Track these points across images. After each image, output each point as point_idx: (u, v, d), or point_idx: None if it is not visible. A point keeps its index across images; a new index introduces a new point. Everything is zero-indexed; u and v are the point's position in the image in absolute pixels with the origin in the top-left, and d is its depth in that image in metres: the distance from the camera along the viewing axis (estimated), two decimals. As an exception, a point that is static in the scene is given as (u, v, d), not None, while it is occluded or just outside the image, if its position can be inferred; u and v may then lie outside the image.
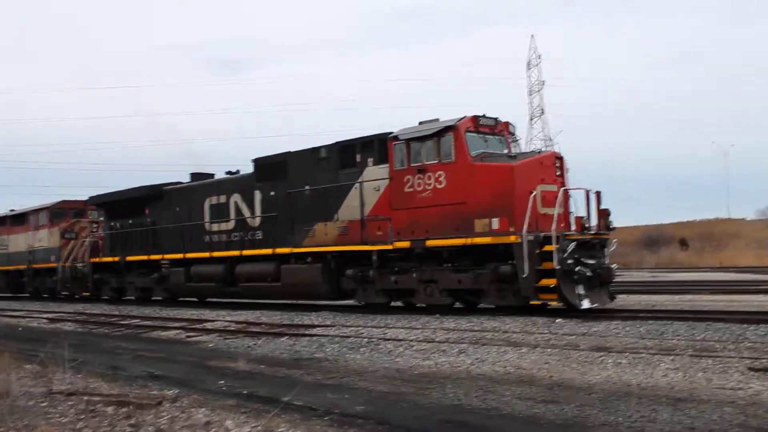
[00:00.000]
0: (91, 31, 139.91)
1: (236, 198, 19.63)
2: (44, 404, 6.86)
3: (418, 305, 15.80)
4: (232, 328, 14.78)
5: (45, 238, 29.15)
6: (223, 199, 20.09)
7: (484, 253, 14.08)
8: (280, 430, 5.76)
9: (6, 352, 9.61)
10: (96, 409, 6.69)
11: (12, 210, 33.50)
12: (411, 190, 15.11)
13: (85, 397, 7.16)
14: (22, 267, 30.66)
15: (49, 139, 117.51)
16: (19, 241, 31.14)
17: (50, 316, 20.94)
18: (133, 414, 6.45)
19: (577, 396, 6.79)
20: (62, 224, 28.42)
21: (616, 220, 14.82)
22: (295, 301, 19.31)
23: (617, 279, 15.21)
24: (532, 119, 68.88)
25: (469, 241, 14.13)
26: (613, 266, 14.16)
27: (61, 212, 29.30)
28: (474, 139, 14.70)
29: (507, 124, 15.60)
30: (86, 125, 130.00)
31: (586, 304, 13.38)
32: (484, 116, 15.09)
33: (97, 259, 25.34)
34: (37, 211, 30.33)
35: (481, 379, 8.01)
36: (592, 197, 14.54)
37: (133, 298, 24.49)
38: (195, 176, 22.56)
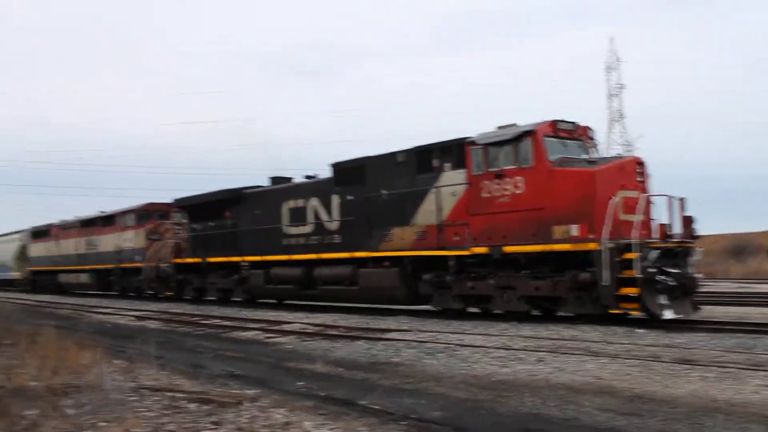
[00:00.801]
0: (170, 35, 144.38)
1: (314, 202, 19.86)
2: (132, 398, 7.09)
3: (494, 312, 15.64)
4: (310, 331, 14.94)
5: (131, 238, 30.28)
6: (301, 202, 20.36)
7: (563, 259, 13.83)
8: (357, 433, 5.79)
9: (98, 347, 10.00)
10: (179, 406, 6.87)
11: (101, 212, 34.97)
12: (488, 195, 14.98)
13: (170, 393, 7.37)
14: (110, 266, 31.94)
15: (135, 143, 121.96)
16: (107, 242, 32.44)
17: (136, 314, 21.68)
18: (215, 411, 6.60)
19: (660, 409, 6.57)
20: (147, 226, 29.45)
21: (701, 228, 14.32)
22: (371, 305, 19.39)
23: (702, 289, 14.66)
24: (611, 123, 67.35)
25: (547, 247, 13.90)
26: (697, 276, 13.68)
27: (147, 214, 30.42)
28: (553, 144, 14.47)
29: (586, 128, 15.29)
30: (171, 130, 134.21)
31: (668, 314, 12.96)
32: (562, 120, 14.83)
33: (179, 260, 26.07)
34: (124, 213, 31.59)
35: (560, 388, 7.85)
36: (675, 204, 14.10)
37: (213, 298, 25.08)
38: (274, 180, 22.96)
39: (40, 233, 41.32)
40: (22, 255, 43.35)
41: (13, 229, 46.63)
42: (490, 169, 14.94)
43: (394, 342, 12.26)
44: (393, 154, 17.45)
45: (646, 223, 13.86)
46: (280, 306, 22.64)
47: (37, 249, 41.09)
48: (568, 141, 14.84)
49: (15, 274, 43.94)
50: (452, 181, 15.78)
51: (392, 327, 14.61)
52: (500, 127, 15.25)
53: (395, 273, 17.06)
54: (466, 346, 11.25)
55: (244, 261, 22.45)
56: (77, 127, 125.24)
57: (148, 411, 6.63)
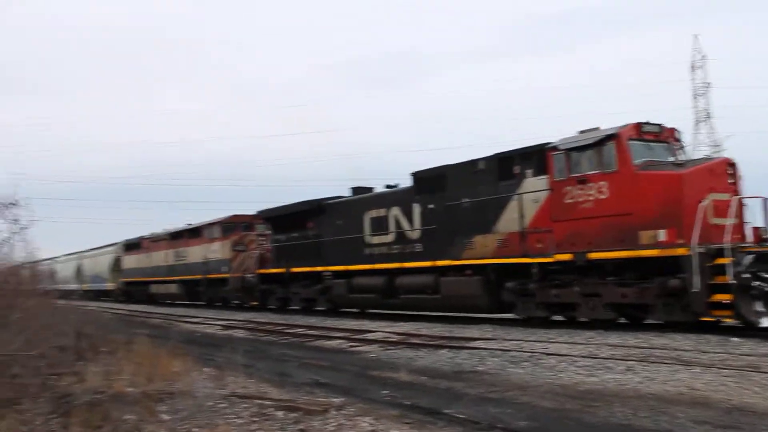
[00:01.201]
0: (247, 49, 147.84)
1: (395, 211, 19.94)
2: (223, 405, 7.27)
3: (579, 319, 15.30)
4: (393, 339, 14.99)
5: (218, 249, 31.13)
6: (382, 212, 20.48)
7: (650, 266, 13.41)
8: (443, 441, 5.76)
9: (188, 355, 10.31)
10: (267, 413, 7.00)
11: (188, 224, 36.12)
12: (572, 201, 14.69)
13: (258, 401, 7.52)
14: (197, 277, 32.89)
15: (219, 156, 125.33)
16: (195, 253, 33.46)
17: (223, 323, 22.25)
18: (301, 419, 6.69)
19: (761, 423, 6.28)
20: (233, 237, 30.22)
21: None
22: (454, 314, 19.29)
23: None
24: (697, 124, 64.99)
25: (634, 253, 13.51)
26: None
27: (232, 226, 31.21)
28: (637, 147, 14.08)
29: (672, 130, 14.82)
30: (252, 143, 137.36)
31: (766, 322, 12.39)
32: (647, 123, 14.42)
33: (264, 270, 26.59)
34: (210, 225, 32.54)
35: (650, 398, 7.61)
36: (772, 206, 13.47)
37: (297, 307, 25.45)
38: (355, 190, 23.17)
39: (132, 246, 43.01)
40: (116, 267, 45.24)
41: (109, 242, 48.75)
42: (573, 175, 14.65)
43: (478, 350, 12.18)
44: (473, 162, 17.34)
45: (739, 227, 13.31)
46: (362, 315, 22.79)
47: (130, 261, 42.81)
48: (654, 144, 14.41)
49: (110, 285, 45.87)
50: (534, 187, 15.56)
51: (476, 335, 14.51)
52: (582, 132, 14.95)
53: (477, 281, 16.91)
54: (551, 355, 11.05)
55: (326, 270, 22.72)
56: (170, 145, 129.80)
57: (237, 418, 6.78)
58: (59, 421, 5.79)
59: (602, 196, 14.13)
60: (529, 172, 15.79)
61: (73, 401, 6.13)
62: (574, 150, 14.67)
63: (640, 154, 14.02)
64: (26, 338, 5.22)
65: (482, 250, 16.81)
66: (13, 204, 5.96)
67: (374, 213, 20.82)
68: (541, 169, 15.42)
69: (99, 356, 9.91)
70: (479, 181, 17.04)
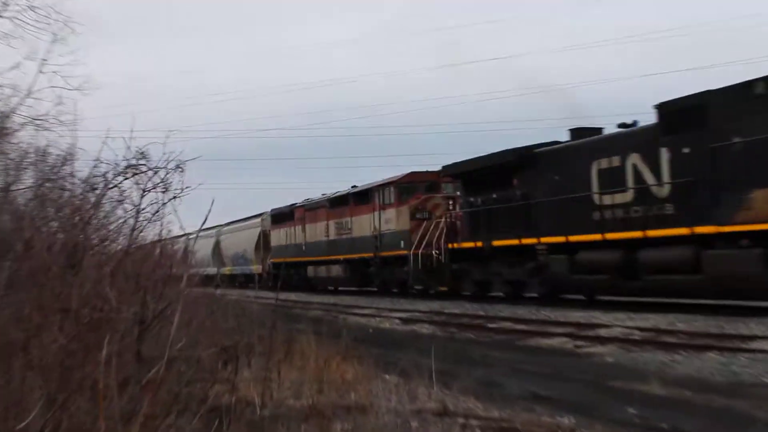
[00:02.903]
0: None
1: (634, 159, 19.55)
2: (415, 424, 7.40)
3: None
4: (636, 337, 14.74)
5: (392, 219, 31.72)
6: (616, 161, 20.13)
7: None
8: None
9: (363, 358, 10.62)
10: (475, 436, 7.05)
11: (354, 186, 36.92)
12: None
13: (460, 419, 7.59)
14: (367, 255, 33.75)
15: (390, 94, 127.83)
16: (363, 224, 34.30)
17: (402, 315, 22.79)
18: (521, 445, 6.68)
19: None
20: (412, 202, 30.76)
21: None
22: (723, 301, 18.61)
23: None
24: None
25: None
26: None
27: (410, 187, 31.70)
28: None
29: None
30: (430, 76, 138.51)
31: None
32: None
33: (455, 245, 26.89)
34: (382, 186, 33.14)
35: None
36: None
37: (500, 294, 25.59)
38: (576, 133, 22.85)
39: (281, 217, 44.77)
40: (264, 244, 47.18)
41: (252, 213, 51.08)
42: None
43: (764, 354, 11.70)
44: (749, 84, 16.63)
45: None
46: (590, 303, 22.51)
47: (278, 236, 44.64)
48: None
49: (255, 268, 47.97)
50: None
51: (757, 333, 14.06)
52: None
53: (758, 256, 16.25)
54: None
55: (539, 243, 22.61)
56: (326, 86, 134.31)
57: (435, 441, 6.89)
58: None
59: None
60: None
61: (226, 416, 6.47)
62: None
63: None
64: (187, 335, 5.57)
65: (765, 212, 16.01)
66: (181, 168, 6.30)
67: (604, 163, 20.53)
68: None
69: (252, 359, 10.43)
70: (758, 110, 16.25)
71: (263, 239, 47.43)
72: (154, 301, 5.50)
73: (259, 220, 49.12)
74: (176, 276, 7.14)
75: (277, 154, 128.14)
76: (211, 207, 6.27)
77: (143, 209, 6.46)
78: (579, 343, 14.71)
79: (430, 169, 32.30)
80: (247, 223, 52.11)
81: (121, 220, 7.63)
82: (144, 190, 6.30)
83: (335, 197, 38.20)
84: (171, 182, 6.34)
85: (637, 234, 19.28)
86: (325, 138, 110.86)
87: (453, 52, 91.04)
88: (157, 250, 8.58)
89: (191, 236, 10.38)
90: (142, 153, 6.35)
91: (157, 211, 6.52)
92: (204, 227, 6.45)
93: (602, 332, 15.67)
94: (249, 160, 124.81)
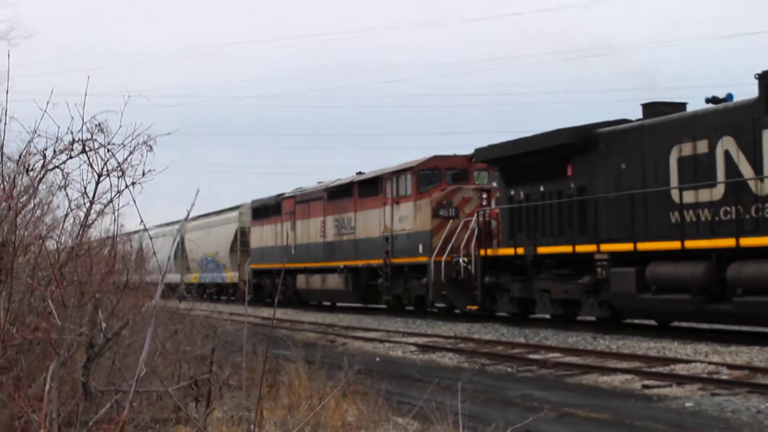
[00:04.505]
0: None
1: (726, 144, 19.49)
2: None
3: None
4: (724, 377, 14.72)
5: (408, 216, 31.47)
6: (702, 146, 20.09)
7: None
8: None
9: (368, 395, 10.65)
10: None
11: (359, 173, 36.70)
12: None
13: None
14: (374, 262, 33.59)
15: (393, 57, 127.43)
16: (370, 222, 34.09)
17: (419, 341, 22.85)
18: None
19: None
20: (434, 194, 30.56)
21: None
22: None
23: None
24: None
25: None
26: None
27: (432, 175, 31.50)
28: None
29: None
30: (459, 40, 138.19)
31: None
32: None
33: (489, 251, 26.84)
34: (396, 173, 32.80)
35: None
36: None
37: (546, 315, 25.54)
38: (650, 109, 22.73)
39: (264, 210, 44.52)
40: (242, 245, 47.05)
41: (229, 206, 50.77)
42: None
43: None
44: None
45: None
46: (664, 331, 22.47)
47: (261, 235, 44.46)
48: None
49: (230, 276, 47.85)
50: None
51: None
52: None
53: None
54: None
55: (600, 252, 22.55)
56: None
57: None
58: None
59: None
60: None
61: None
62: None
63: None
64: (145, 363, 5.55)
65: None
66: (149, 145, 6.22)
67: (687, 149, 20.51)
68: None
69: (225, 393, 10.48)
70: None
71: (240, 239, 47.27)
72: (106, 319, 5.51)
73: (235, 213, 48.79)
74: (133, 285, 7.18)
75: (269, 129, 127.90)
76: (195, 198, 6.22)
77: (96, 199, 6.39)
78: (648, 382, 14.65)
79: (458, 153, 32.19)
80: (220, 217, 51.72)
81: (63, 213, 7.60)
82: (99, 174, 6.24)
83: (335, 187, 37.91)
84: (134, 164, 6.26)
85: (728, 242, 19.19)
86: (327, 109, 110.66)
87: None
88: (107, 251, 8.58)
89: (149, 233, 10.38)
90: (98, 124, 6.31)
91: (111, 201, 6.47)
92: (164, 222, 6.43)
93: (679, 369, 15.62)
94: (230, 135, 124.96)
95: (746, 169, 19.06)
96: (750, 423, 10.86)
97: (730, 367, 15.56)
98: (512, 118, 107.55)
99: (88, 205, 6.47)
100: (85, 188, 6.49)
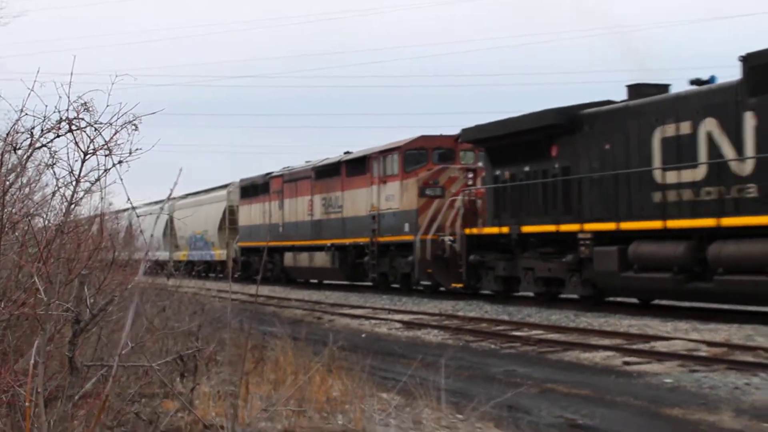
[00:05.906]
0: None
1: (709, 125, 19.52)
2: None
3: None
4: (703, 353, 14.80)
5: (395, 195, 31.62)
6: (685, 128, 20.11)
7: None
8: None
9: (354, 371, 10.69)
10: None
11: (347, 152, 36.93)
12: None
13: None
14: (361, 240, 33.76)
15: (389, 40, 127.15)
16: (357, 201, 34.24)
17: (404, 318, 22.92)
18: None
19: None
20: (421, 173, 30.64)
21: None
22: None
23: None
24: None
25: None
26: None
27: (419, 154, 31.61)
28: None
29: None
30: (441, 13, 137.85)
31: None
32: None
33: (474, 230, 26.91)
34: (383, 153, 32.99)
35: None
36: None
37: (529, 294, 25.63)
38: (635, 90, 22.77)
39: (252, 189, 44.63)
40: (230, 223, 47.12)
41: (218, 184, 50.65)
42: None
43: None
44: None
45: None
46: (645, 309, 22.58)
47: (249, 214, 44.55)
48: None
49: (218, 253, 47.96)
50: None
51: None
52: None
53: None
54: None
55: (583, 231, 22.62)
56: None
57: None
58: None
59: None
60: None
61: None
62: None
63: None
64: (132, 339, 5.56)
65: None
66: (134, 125, 6.22)
67: (670, 130, 20.55)
68: None
69: (212, 369, 10.51)
70: None
71: (229, 217, 47.35)
72: (93, 295, 5.53)
73: (224, 192, 48.90)
74: (120, 262, 7.19)
75: (258, 108, 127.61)
76: (178, 177, 6.25)
77: (83, 177, 6.40)
78: (629, 359, 14.74)
79: (444, 133, 32.27)
80: (208, 195, 51.91)
81: (51, 190, 7.62)
82: (85, 153, 6.25)
83: (322, 166, 38.01)
84: (120, 142, 6.28)
85: (709, 222, 19.25)
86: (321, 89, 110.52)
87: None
88: (95, 228, 8.60)
89: (138, 211, 10.39)
90: (84, 103, 6.32)
91: (98, 179, 6.49)
92: (152, 201, 6.47)
93: (659, 346, 15.69)
94: (222, 116, 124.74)
95: (728, 151, 19.10)
96: (728, 399, 10.92)
97: (709, 344, 15.65)
98: (498, 99, 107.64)
99: (74, 183, 6.48)
100: (71, 167, 6.51)
